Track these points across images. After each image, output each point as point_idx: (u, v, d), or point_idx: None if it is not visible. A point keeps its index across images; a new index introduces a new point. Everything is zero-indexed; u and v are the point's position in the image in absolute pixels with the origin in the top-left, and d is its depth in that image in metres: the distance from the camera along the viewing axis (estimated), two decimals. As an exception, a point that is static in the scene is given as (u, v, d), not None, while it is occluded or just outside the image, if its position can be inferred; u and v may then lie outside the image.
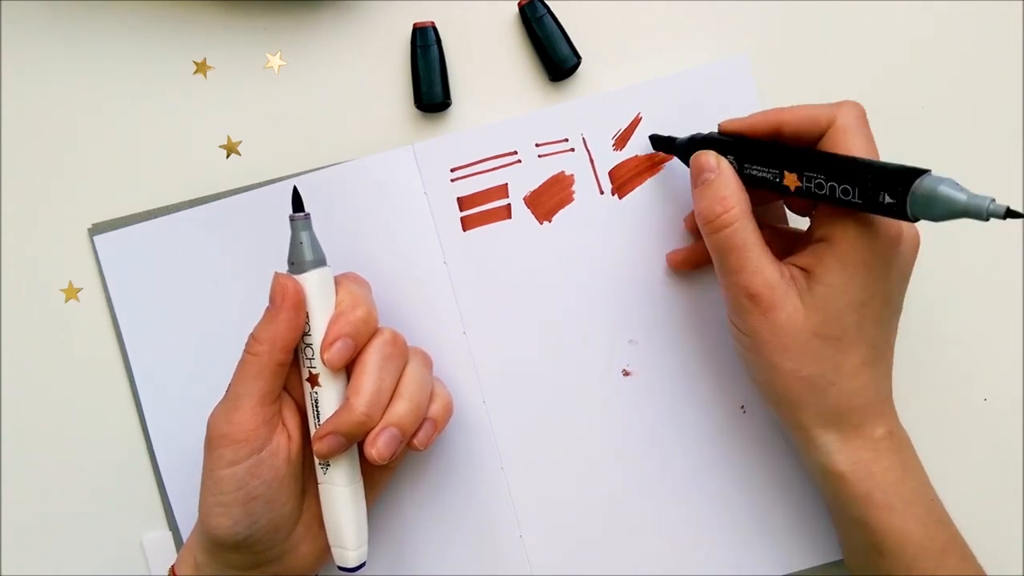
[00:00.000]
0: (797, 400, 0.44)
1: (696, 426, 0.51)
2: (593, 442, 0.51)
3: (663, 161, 0.50)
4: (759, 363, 0.44)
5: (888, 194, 0.37)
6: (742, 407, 0.51)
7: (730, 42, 0.51)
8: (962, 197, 0.35)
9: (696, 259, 0.49)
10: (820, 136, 0.43)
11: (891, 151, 0.51)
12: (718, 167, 0.44)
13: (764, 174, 0.43)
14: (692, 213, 0.47)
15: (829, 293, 0.42)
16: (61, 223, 0.51)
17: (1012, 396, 0.52)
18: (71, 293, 0.51)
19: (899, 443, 0.44)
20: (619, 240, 0.50)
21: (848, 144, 0.42)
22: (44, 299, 0.51)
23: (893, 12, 0.51)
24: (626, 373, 0.51)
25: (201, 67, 0.51)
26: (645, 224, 0.50)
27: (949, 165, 0.51)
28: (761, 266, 0.42)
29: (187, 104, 0.51)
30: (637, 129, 0.50)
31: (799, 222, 0.50)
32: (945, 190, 0.35)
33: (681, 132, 0.50)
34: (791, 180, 0.42)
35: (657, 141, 0.50)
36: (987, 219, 0.34)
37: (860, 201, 0.39)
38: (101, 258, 0.51)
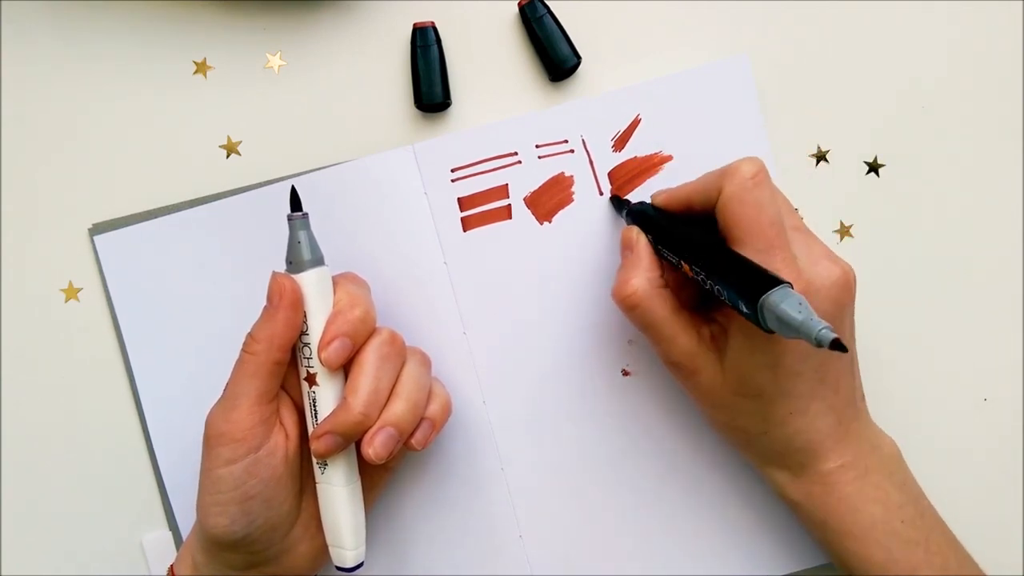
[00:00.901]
0: (738, 445, 0.46)
1: (695, 426, 0.51)
2: (593, 442, 0.51)
3: (662, 162, 0.50)
4: (700, 413, 0.47)
5: (744, 304, 0.37)
6: (742, 407, 0.51)
7: (730, 42, 0.51)
8: (797, 318, 0.35)
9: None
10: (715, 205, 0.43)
11: (891, 151, 0.51)
12: (636, 244, 0.45)
13: (669, 258, 0.44)
14: None
15: (739, 357, 0.42)
16: (61, 223, 0.51)
17: (1012, 396, 0.51)
18: (71, 293, 0.51)
19: (861, 471, 0.44)
20: (619, 241, 0.50)
21: (733, 214, 0.41)
22: (44, 299, 0.51)
23: (893, 12, 0.51)
24: (626, 373, 0.51)
25: (201, 67, 0.51)
26: (645, 224, 0.50)
27: (949, 165, 0.51)
28: (674, 337, 0.43)
29: (187, 104, 0.51)
30: (636, 130, 0.50)
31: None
32: (784, 309, 0.35)
33: (681, 132, 0.50)
34: (687, 269, 0.42)
35: (616, 202, 0.50)
36: (817, 346, 0.33)
37: (730, 304, 0.39)
38: (101, 258, 0.51)
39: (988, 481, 0.51)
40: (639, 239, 0.45)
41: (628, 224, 0.47)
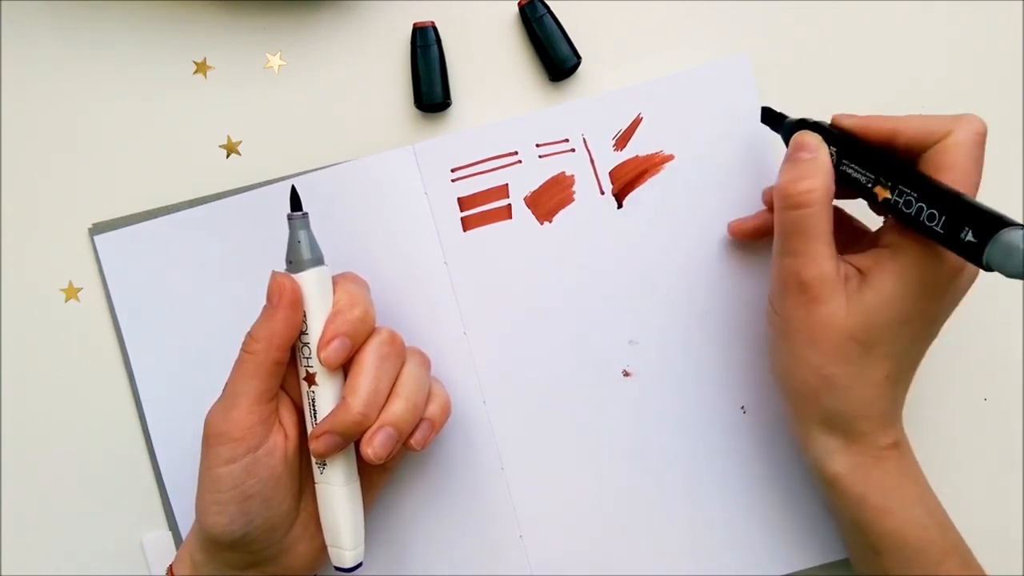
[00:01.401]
0: (811, 395, 0.44)
1: (696, 427, 0.51)
2: (593, 442, 0.51)
3: (663, 161, 0.50)
4: (785, 349, 0.44)
5: (972, 232, 0.37)
6: (742, 408, 0.51)
7: (730, 42, 0.51)
8: None
9: (761, 231, 0.48)
10: (930, 148, 0.42)
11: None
12: (816, 150, 0.43)
13: (858, 175, 0.42)
14: (772, 187, 0.46)
15: (877, 301, 0.41)
16: (61, 223, 0.51)
17: (1012, 396, 0.51)
18: (71, 293, 0.51)
19: (902, 453, 0.45)
20: (619, 240, 0.50)
21: (955, 159, 0.40)
22: (44, 299, 0.51)
23: (893, 12, 0.51)
24: (626, 374, 0.51)
25: (201, 67, 0.51)
26: (645, 224, 0.50)
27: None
28: (820, 257, 0.42)
29: (187, 104, 0.51)
30: (638, 129, 0.50)
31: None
32: None
33: (681, 132, 0.50)
34: (882, 191, 0.41)
35: (768, 114, 0.49)
36: None
37: (942, 231, 0.38)
38: (101, 258, 0.51)
39: (988, 481, 0.51)
40: (821, 146, 0.44)
41: (786, 137, 0.46)
